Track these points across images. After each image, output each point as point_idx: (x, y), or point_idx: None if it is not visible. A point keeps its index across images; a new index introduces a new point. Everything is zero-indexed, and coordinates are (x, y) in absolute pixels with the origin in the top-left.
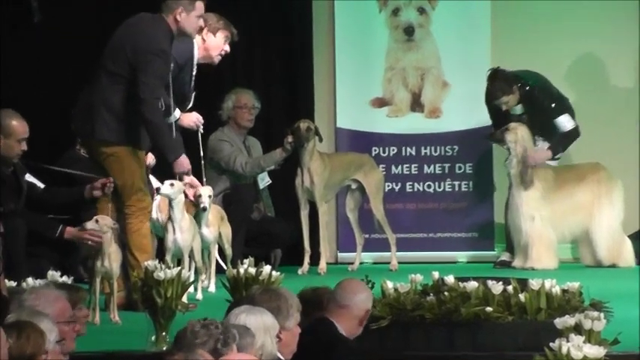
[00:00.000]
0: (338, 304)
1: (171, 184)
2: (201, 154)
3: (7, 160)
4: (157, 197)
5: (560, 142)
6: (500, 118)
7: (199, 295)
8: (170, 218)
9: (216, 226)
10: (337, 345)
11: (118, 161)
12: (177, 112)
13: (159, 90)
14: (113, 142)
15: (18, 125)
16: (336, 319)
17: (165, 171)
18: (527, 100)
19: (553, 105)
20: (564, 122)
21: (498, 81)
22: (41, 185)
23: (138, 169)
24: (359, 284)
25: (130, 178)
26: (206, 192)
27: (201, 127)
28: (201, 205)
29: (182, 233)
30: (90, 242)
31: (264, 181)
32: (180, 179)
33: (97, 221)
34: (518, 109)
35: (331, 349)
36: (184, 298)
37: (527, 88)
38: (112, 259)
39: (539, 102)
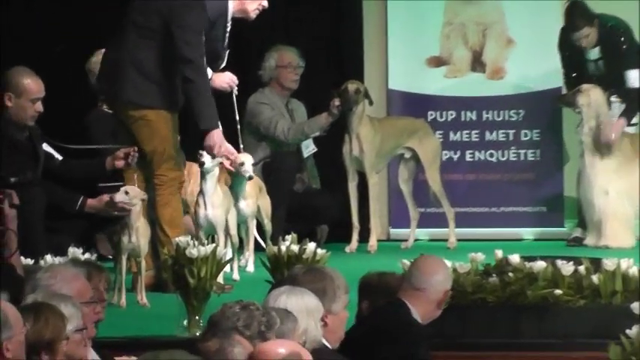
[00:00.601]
0: (413, 286)
1: (213, 156)
2: (237, 117)
3: (20, 123)
4: None
5: (631, 106)
6: (574, 64)
7: (236, 275)
8: (201, 191)
9: (254, 198)
10: (408, 330)
11: (147, 125)
12: (209, 73)
13: (202, 47)
14: (142, 105)
15: (31, 83)
16: (410, 302)
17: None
18: (605, 41)
19: (630, 53)
20: (633, 77)
21: (578, 14)
22: (59, 157)
23: (170, 135)
24: (436, 263)
25: (161, 145)
26: (249, 160)
27: (236, 88)
28: (247, 175)
29: (214, 208)
30: (117, 213)
31: (308, 148)
32: (209, 154)
33: (126, 193)
34: (595, 53)
35: (400, 334)
36: (221, 279)
37: (608, 27)
38: (139, 234)
39: (618, 45)
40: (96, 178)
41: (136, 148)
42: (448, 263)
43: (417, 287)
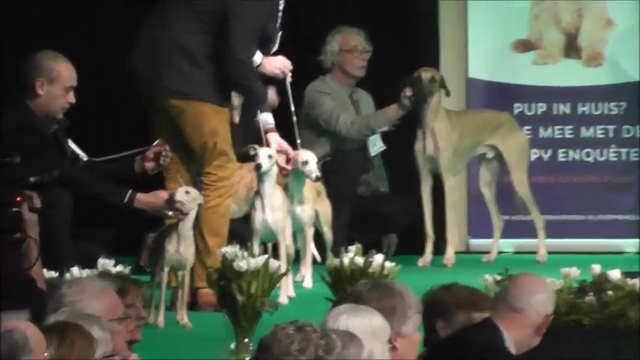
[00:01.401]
0: (509, 306)
1: (269, 156)
2: (292, 108)
3: (50, 114)
4: None
5: None
6: None
7: (291, 292)
8: (259, 193)
9: (312, 203)
10: (492, 358)
11: (195, 118)
12: (258, 57)
13: (255, 45)
14: (189, 95)
15: (65, 69)
16: (504, 325)
17: None
18: None
19: None
20: None
21: None
22: (84, 156)
23: (221, 127)
24: (537, 281)
25: (211, 140)
26: (312, 157)
27: (290, 74)
28: (313, 175)
29: (274, 212)
30: (171, 214)
31: (376, 146)
32: (265, 135)
33: (187, 192)
34: None
35: None
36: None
37: None
38: (188, 244)
39: None
40: (125, 182)
41: (168, 148)
42: None
43: (515, 307)
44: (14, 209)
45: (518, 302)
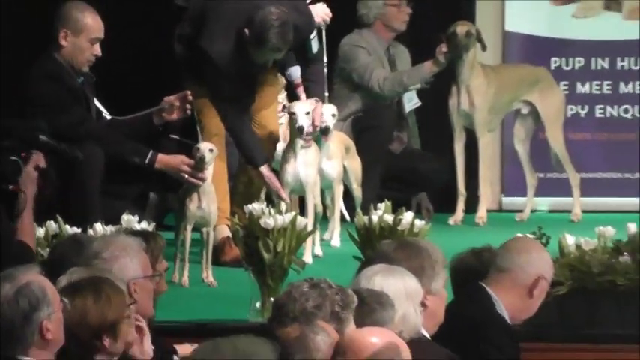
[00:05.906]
0: (497, 267)
1: (307, 113)
2: (325, 59)
3: (76, 66)
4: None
5: None
6: None
7: (318, 250)
8: (291, 145)
9: (340, 159)
10: (482, 324)
11: None
12: None
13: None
14: None
15: (91, 21)
16: (494, 288)
17: None
18: None
19: None
20: None
21: None
22: (107, 115)
23: None
24: (529, 242)
25: None
26: (329, 110)
27: (326, 23)
28: (324, 125)
29: (307, 166)
30: (191, 179)
31: (412, 101)
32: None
33: (211, 151)
34: None
35: (476, 328)
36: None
37: None
38: (210, 199)
39: None
40: (145, 139)
41: (189, 93)
42: (571, 239)
43: (501, 268)
44: (12, 158)
45: (504, 262)
